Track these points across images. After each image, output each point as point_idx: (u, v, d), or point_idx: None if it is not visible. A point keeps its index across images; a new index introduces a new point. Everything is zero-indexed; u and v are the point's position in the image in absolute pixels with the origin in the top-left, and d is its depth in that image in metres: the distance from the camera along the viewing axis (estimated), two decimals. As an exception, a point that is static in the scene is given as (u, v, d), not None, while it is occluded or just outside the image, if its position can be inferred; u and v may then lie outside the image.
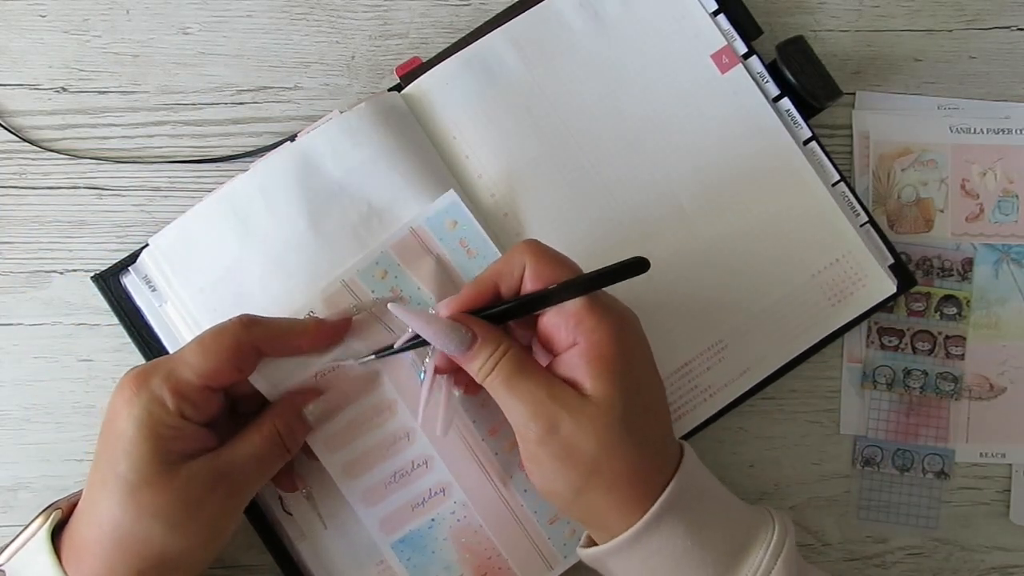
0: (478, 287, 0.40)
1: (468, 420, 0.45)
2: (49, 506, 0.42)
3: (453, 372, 0.42)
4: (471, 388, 0.43)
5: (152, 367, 0.39)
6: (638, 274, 0.39)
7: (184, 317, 0.47)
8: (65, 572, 0.38)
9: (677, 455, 0.40)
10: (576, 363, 0.38)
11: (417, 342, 0.41)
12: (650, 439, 0.39)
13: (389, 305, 0.40)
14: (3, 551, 0.40)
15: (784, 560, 0.38)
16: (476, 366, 0.39)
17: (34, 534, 0.40)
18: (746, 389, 0.49)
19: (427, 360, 0.41)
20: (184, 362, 0.39)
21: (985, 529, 0.51)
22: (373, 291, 0.45)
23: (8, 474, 0.50)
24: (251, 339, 0.40)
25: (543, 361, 0.41)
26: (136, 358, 0.48)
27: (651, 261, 0.40)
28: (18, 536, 0.41)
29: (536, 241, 0.40)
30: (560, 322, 0.39)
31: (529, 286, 0.39)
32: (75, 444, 0.50)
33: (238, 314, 0.41)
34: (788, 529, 0.40)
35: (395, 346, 0.42)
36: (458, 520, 0.45)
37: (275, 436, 0.41)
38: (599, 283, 0.39)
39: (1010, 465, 0.51)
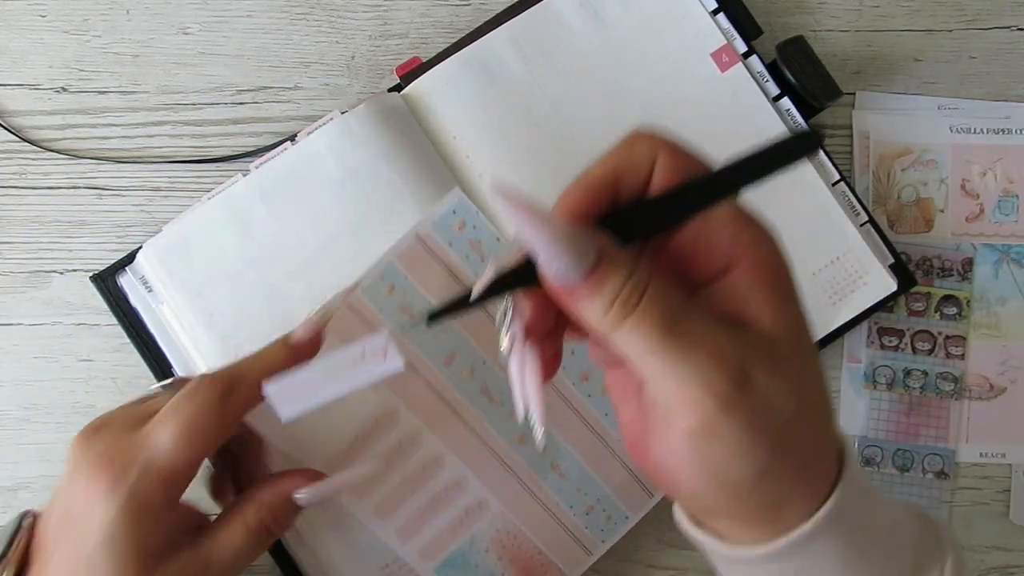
0: (588, 186, 0.27)
1: (495, 430, 0.45)
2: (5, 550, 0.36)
3: (540, 337, 0.29)
4: (549, 366, 0.30)
5: (125, 454, 0.34)
6: (811, 154, 0.28)
7: (180, 319, 0.47)
8: None
9: (841, 441, 0.30)
10: (744, 290, 0.27)
11: (496, 286, 0.27)
12: (828, 400, 0.29)
13: (494, 185, 0.24)
14: None
15: None
16: (603, 303, 0.25)
17: None
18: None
19: (506, 316, 0.28)
20: (167, 450, 0.34)
21: (985, 529, 0.51)
22: (381, 310, 0.43)
23: (8, 474, 0.50)
24: (232, 410, 0.36)
25: None
26: (135, 358, 0.48)
27: None
28: None
29: (660, 130, 0.29)
30: (706, 237, 0.27)
31: (662, 185, 0.27)
32: (75, 444, 0.50)
33: (204, 373, 0.37)
34: (959, 554, 0.32)
35: (473, 293, 0.27)
36: (496, 530, 0.45)
37: (261, 527, 0.37)
38: (765, 167, 0.26)
39: (1010, 465, 0.51)
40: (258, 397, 0.36)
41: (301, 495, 0.38)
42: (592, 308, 0.25)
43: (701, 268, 0.28)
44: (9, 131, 0.51)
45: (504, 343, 0.29)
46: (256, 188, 0.47)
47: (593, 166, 0.28)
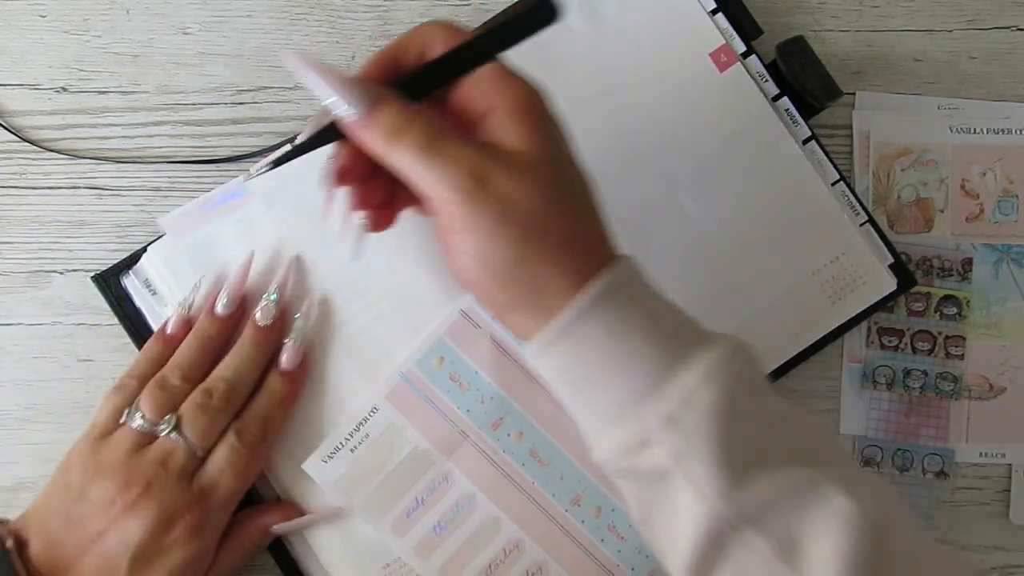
0: (378, 63, 0.35)
1: (548, 493, 0.45)
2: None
3: (357, 190, 0.37)
4: (380, 221, 0.38)
5: (201, 507, 0.42)
6: (550, 21, 0.36)
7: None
8: None
9: (615, 244, 0.36)
10: (500, 122, 0.34)
11: (322, 136, 0.35)
12: (589, 205, 0.35)
13: (282, 54, 0.37)
14: None
15: (724, 386, 0.32)
16: (382, 129, 0.33)
17: None
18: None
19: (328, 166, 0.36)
20: (228, 500, 0.43)
21: (985, 529, 0.51)
22: (432, 380, 0.46)
23: (8, 474, 0.50)
24: (266, 452, 0.45)
25: None
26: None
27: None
28: None
29: (442, 20, 0.37)
30: (474, 92, 0.35)
31: (428, 52, 0.35)
32: (75, 444, 0.50)
33: (233, 430, 0.44)
34: (748, 355, 0.34)
35: (297, 140, 0.36)
36: (540, 569, 0.45)
37: (246, 552, 0.45)
38: (510, 34, 0.35)
39: (1010, 465, 0.51)
40: (277, 432, 0.45)
41: (277, 528, 0.45)
42: (373, 137, 0.33)
43: (474, 115, 0.35)
44: (9, 131, 0.51)
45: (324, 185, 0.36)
46: (259, 192, 0.47)
47: (381, 50, 0.36)
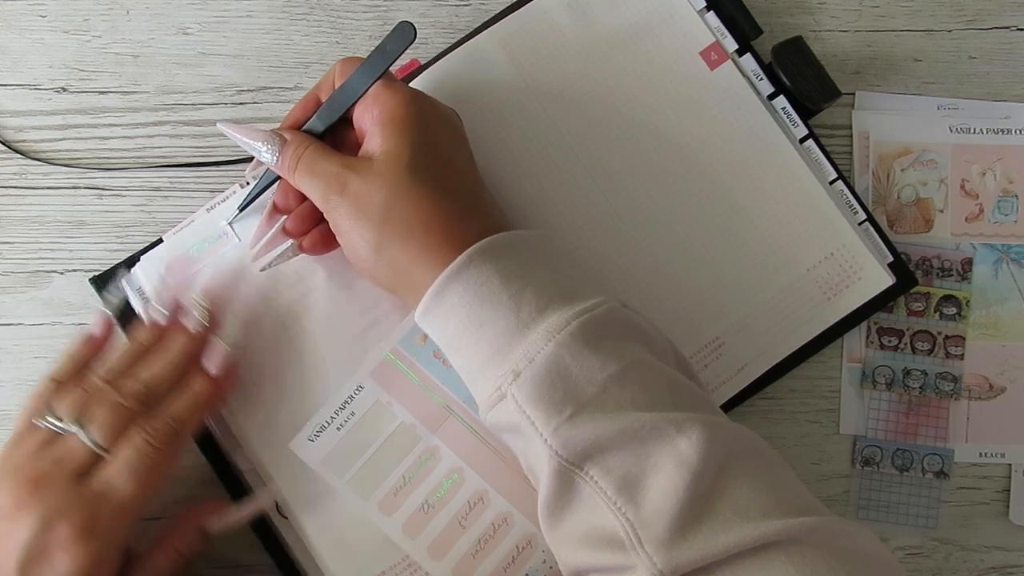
0: (302, 104, 0.44)
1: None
2: None
3: (295, 222, 0.44)
4: (315, 246, 0.45)
5: (92, 504, 0.39)
6: (410, 42, 0.42)
7: None
8: None
9: (492, 223, 0.41)
10: (370, 133, 0.41)
11: (267, 177, 0.46)
12: (450, 190, 0.40)
13: (219, 123, 0.45)
14: None
15: (565, 341, 0.36)
16: (287, 165, 0.42)
17: None
18: (744, 385, 0.49)
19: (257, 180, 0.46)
20: (129, 497, 0.39)
21: (985, 529, 0.51)
22: (416, 357, 0.46)
23: (8, 474, 0.50)
24: (177, 452, 0.42)
25: None
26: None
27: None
28: None
29: (351, 57, 0.44)
30: (363, 110, 0.42)
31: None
32: (75, 444, 0.50)
33: (140, 422, 0.41)
34: (610, 311, 0.38)
35: (249, 190, 0.46)
36: (550, 568, 0.45)
37: (181, 555, 0.43)
38: (380, 59, 0.42)
39: (1010, 465, 0.51)
40: (191, 436, 0.43)
41: (212, 525, 0.44)
42: (283, 171, 0.43)
43: (363, 131, 0.42)
44: (7, 147, 0.51)
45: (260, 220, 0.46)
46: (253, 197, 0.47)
47: (307, 93, 0.45)
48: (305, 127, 0.44)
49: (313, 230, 0.44)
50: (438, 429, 0.46)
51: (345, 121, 0.44)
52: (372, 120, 0.41)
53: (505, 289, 0.38)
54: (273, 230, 0.45)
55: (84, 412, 0.40)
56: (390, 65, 0.43)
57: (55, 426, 0.40)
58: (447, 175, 0.41)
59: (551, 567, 0.45)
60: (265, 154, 0.43)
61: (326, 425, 0.45)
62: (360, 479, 0.45)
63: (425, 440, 0.45)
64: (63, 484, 0.38)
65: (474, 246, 0.38)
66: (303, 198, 0.44)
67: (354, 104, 0.43)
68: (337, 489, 0.45)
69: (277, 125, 0.51)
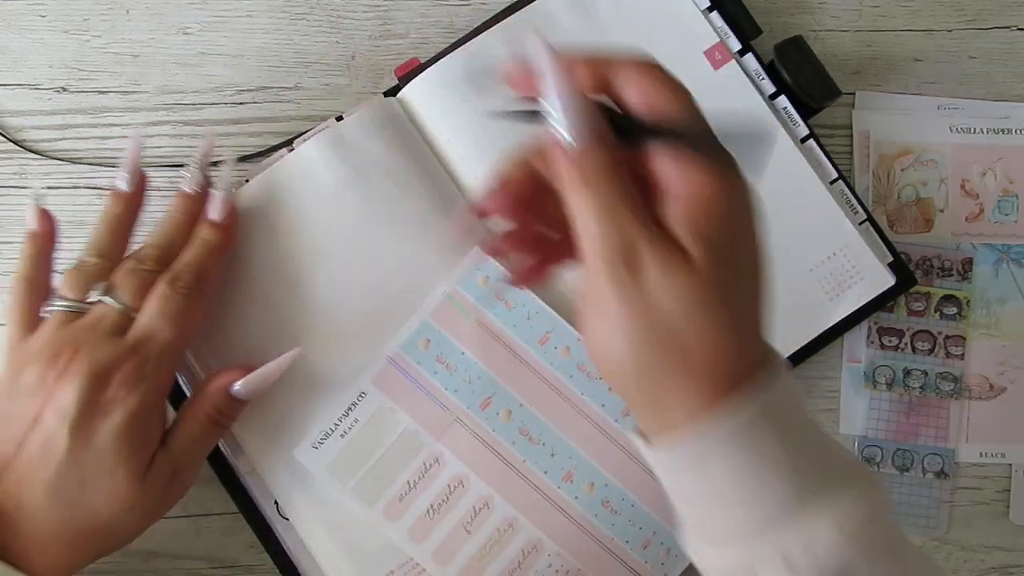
0: (591, 64, 0.32)
1: (540, 470, 0.46)
2: None
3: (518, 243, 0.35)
4: (529, 275, 0.36)
5: (135, 356, 0.40)
6: (767, 147, 0.32)
7: None
8: (17, 569, 0.37)
9: (766, 354, 0.32)
10: (674, 210, 0.31)
11: (525, 115, 0.33)
12: (740, 324, 0.31)
13: (532, 38, 0.31)
14: None
15: (850, 538, 0.30)
16: (583, 170, 0.31)
17: None
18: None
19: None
20: (169, 342, 0.41)
21: (985, 529, 0.51)
22: (419, 362, 0.46)
23: (8, 474, 0.50)
24: (208, 295, 0.43)
25: None
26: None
27: None
28: None
29: (653, 60, 0.33)
30: (666, 162, 0.31)
31: (633, 101, 0.32)
32: (75, 444, 0.50)
33: (165, 278, 0.42)
34: (877, 498, 0.32)
35: (500, 107, 0.34)
36: (556, 572, 0.45)
37: (208, 420, 0.42)
38: (724, 141, 0.31)
39: (1010, 465, 0.51)
40: (211, 279, 0.43)
41: (237, 387, 0.43)
42: (569, 169, 0.31)
43: (656, 181, 0.31)
44: (10, 140, 0.51)
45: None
46: (250, 200, 0.47)
47: (596, 54, 0.32)
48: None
49: (538, 266, 0.36)
50: (442, 435, 0.46)
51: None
52: (683, 199, 0.31)
53: (783, 452, 0.30)
54: (476, 242, 0.39)
55: (107, 282, 0.41)
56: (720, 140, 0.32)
57: (69, 307, 0.41)
58: (746, 300, 0.32)
59: (556, 570, 0.45)
60: (563, 128, 0.31)
61: (330, 432, 0.45)
62: (364, 485, 0.45)
63: (428, 446, 0.46)
64: (104, 342, 0.39)
65: (752, 393, 0.30)
66: (533, 193, 0.34)
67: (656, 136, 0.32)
68: (342, 495, 0.45)
69: (277, 125, 0.52)
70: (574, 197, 0.31)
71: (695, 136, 0.31)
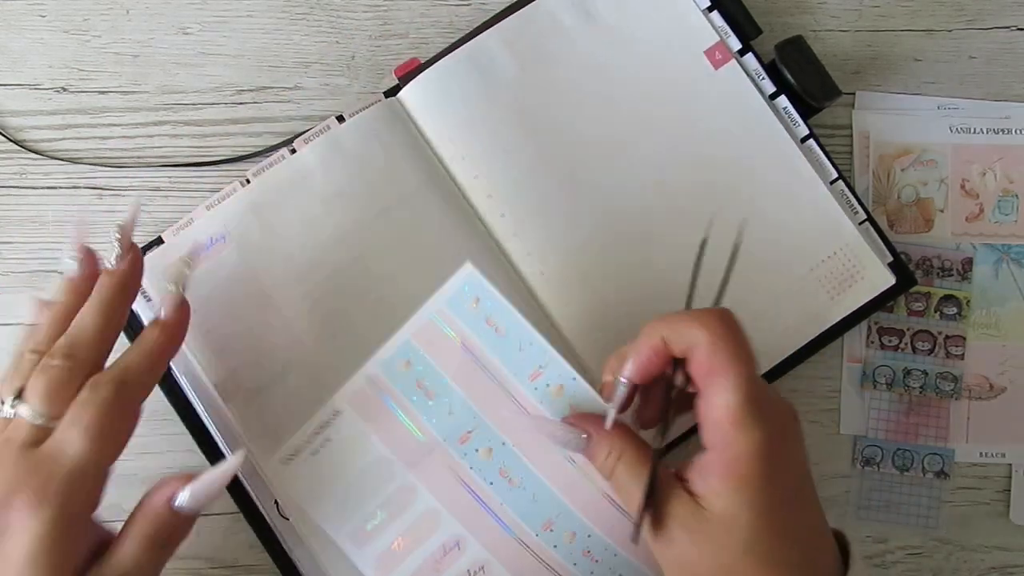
0: (651, 355, 0.37)
1: (518, 515, 0.43)
2: None
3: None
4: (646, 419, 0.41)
5: (41, 470, 0.35)
6: None
7: None
8: None
9: (835, 557, 0.36)
10: (706, 472, 0.35)
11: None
12: (784, 562, 0.35)
13: (533, 422, 0.41)
14: None
15: None
16: (596, 466, 0.39)
17: None
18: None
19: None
20: (81, 458, 0.36)
21: (985, 529, 0.51)
22: (398, 385, 0.43)
23: (8, 474, 0.50)
24: (130, 404, 0.38)
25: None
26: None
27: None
28: None
29: (724, 316, 0.37)
30: (704, 415, 0.36)
31: (693, 369, 0.36)
32: (75, 444, 0.50)
33: (92, 380, 0.37)
34: None
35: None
36: None
37: (152, 541, 0.37)
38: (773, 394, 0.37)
39: (1010, 465, 0.51)
40: (148, 386, 0.39)
41: (179, 499, 0.38)
42: (596, 464, 0.39)
43: (699, 432, 0.36)
44: (11, 140, 0.51)
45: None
46: (250, 204, 0.47)
47: (653, 328, 0.37)
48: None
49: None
50: (415, 466, 0.43)
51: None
52: (718, 460, 0.35)
53: None
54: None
55: (20, 386, 0.37)
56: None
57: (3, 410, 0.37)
58: (786, 547, 0.35)
59: None
60: (570, 446, 0.40)
61: (299, 449, 0.43)
62: (332, 508, 0.43)
63: (401, 477, 0.43)
64: (12, 458, 0.35)
65: None
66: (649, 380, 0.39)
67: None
68: (309, 515, 0.43)
69: (277, 125, 0.52)
70: (611, 482, 0.39)
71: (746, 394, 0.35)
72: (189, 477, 0.38)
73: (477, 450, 0.43)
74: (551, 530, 0.42)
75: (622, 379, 0.38)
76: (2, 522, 0.34)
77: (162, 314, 0.40)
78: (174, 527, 0.38)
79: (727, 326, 0.36)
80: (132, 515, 0.38)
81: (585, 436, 0.39)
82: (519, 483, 0.43)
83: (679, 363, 0.37)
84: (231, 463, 0.38)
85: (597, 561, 0.43)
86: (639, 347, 0.37)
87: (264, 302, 0.47)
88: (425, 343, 0.43)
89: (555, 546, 0.43)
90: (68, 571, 0.35)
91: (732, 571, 0.34)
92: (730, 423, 0.34)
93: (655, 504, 0.36)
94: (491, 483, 0.43)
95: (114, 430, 0.37)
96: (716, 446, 0.35)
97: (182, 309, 0.41)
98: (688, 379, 0.37)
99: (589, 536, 0.43)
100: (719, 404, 0.35)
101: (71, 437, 0.35)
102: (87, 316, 0.38)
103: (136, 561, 0.37)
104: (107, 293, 0.39)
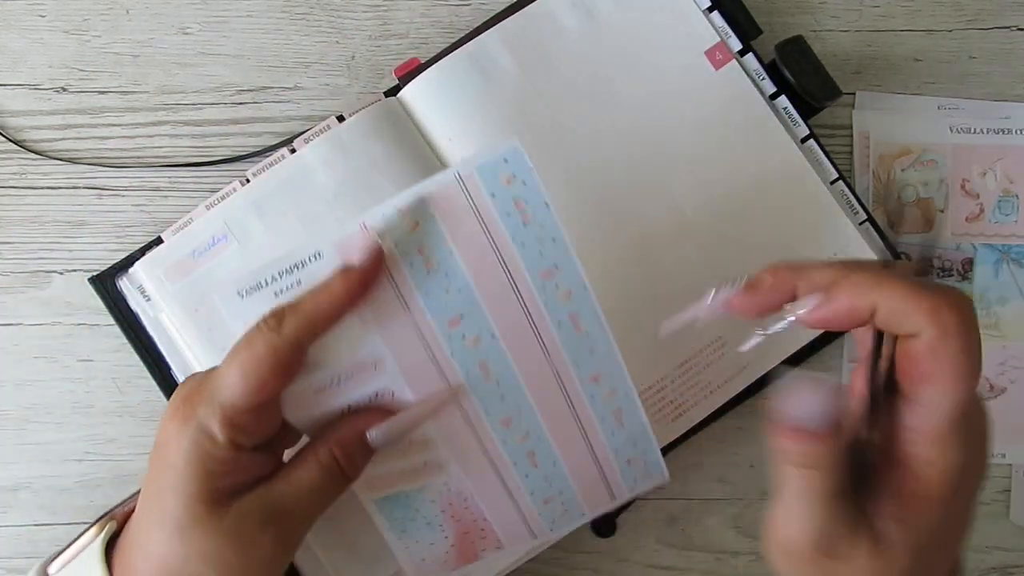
0: (844, 310, 0.31)
1: (482, 408, 0.41)
2: (104, 515, 0.41)
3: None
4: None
5: (198, 392, 0.35)
6: None
7: (179, 331, 0.47)
8: None
9: None
10: (889, 502, 0.31)
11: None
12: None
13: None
14: (55, 558, 0.39)
15: None
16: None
17: (87, 545, 0.38)
18: (745, 386, 0.49)
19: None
20: (225, 385, 0.34)
21: (985, 529, 0.51)
22: (396, 243, 0.37)
23: (8, 474, 0.50)
24: (287, 342, 0.34)
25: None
26: (135, 358, 0.48)
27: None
28: (72, 544, 0.39)
29: (967, 308, 0.29)
30: (903, 416, 0.31)
31: (908, 364, 0.30)
32: (75, 444, 0.50)
33: (265, 313, 0.35)
34: None
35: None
36: (449, 490, 0.42)
37: (333, 464, 0.36)
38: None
39: (1010, 465, 0.51)
40: (313, 327, 0.35)
41: (373, 432, 0.37)
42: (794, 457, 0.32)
43: (900, 418, 0.31)
44: (10, 140, 0.51)
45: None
46: (252, 202, 0.47)
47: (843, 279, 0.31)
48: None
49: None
50: (391, 337, 0.38)
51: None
52: (901, 491, 0.31)
53: None
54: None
55: None
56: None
57: None
58: (937, 563, 0.33)
59: (450, 490, 0.41)
60: (806, 414, 0.31)
61: (263, 285, 0.37)
62: None
63: (372, 345, 0.38)
64: (190, 379, 0.37)
65: None
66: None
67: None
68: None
69: (277, 125, 0.52)
70: (782, 474, 0.32)
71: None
72: (384, 413, 0.38)
73: (464, 336, 0.39)
74: (507, 427, 0.41)
75: (791, 316, 0.32)
76: (164, 434, 0.35)
77: (355, 258, 0.36)
78: (359, 459, 0.37)
79: (963, 321, 0.29)
80: (312, 443, 0.37)
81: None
82: (494, 378, 0.40)
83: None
84: (430, 403, 0.38)
85: (537, 466, 0.41)
86: (835, 296, 0.31)
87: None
88: (442, 209, 0.38)
89: (504, 442, 0.41)
90: (209, 492, 0.34)
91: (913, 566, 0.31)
92: (936, 442, 0.30)
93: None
94: (467, 372, 0.39)
95: (264, 369, 0.34)
96: (921, 456, 0.30)
97: (374, 263, 0.36)
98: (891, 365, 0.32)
99: (540, 440, 0.41)
100: (927, 418, 0.30)
101: (222, 371, 0.35)
102: (310, 298, 0.36)
103: (312, 485, 0.36)
104: (339, 289, 0.36)
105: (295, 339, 0.35)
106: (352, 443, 0.37)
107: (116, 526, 0.39)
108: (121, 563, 0.37)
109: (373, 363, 0.38)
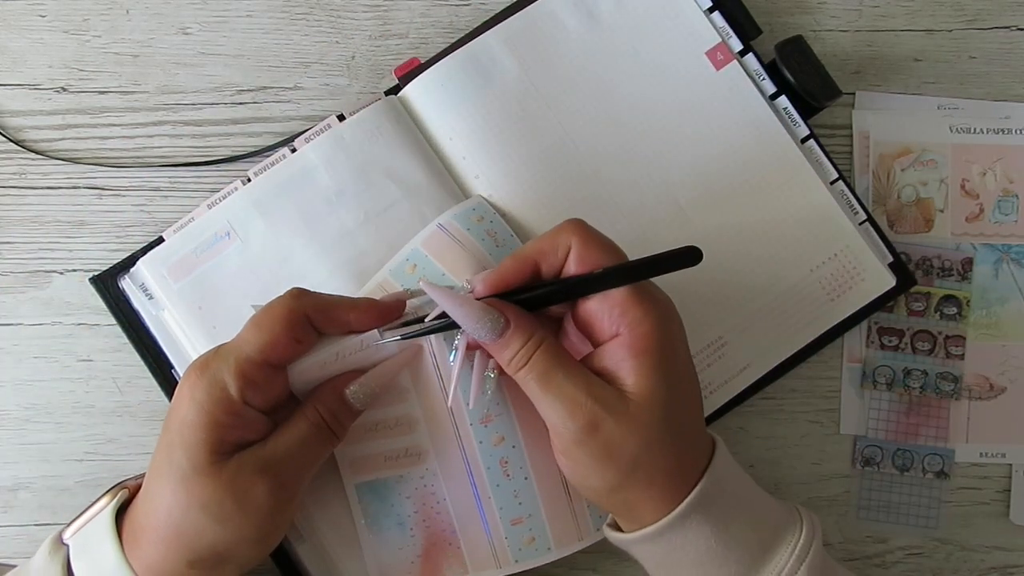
0: (518, 263, 0.39)
1: (463, 404, 0.43)
2: (116, 484, 0.42)
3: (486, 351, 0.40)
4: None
5: (214, 352, 0.38)
6: (690, 265, 0.38)
7: (182, 329, 0.47)
8: (125, 555, 0.38)
9: (709, 448, 0.40)
10: (619, 356, 0.38)
11: (447, 323, 0.39)
12: (687, 433, 0.39)
13: (420, 281, 0.39)
14: (70, 525, 0.41)
15: (809, 565, 0.38)
16: (507, 356, 0.38)
17: (99, 512, 0.40)
18: (746, 386, 0.49)
19: (457, 338, 0.40)
20: (243, 340, 0.38)
21: (985, 529, 0.51)
22: (403, 285, 0.44)
23: (8, 474, 0.50)
24: (302, 307, 0.38)
25: (578, 348, 0.40)
26: (136, 358, 0.48)
27: None
28: (84, 512, 0.41)
29: (582, 221, 0.39)
30: (603, 310, 0.38)
31: (573, 268, 0.38)
32: (75, 444, 0.50)
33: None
34: (816, 530, 0.40)
35: (423, 323, 0.40)
36: (425, 486, 0.43)
37: (319, 421, 0.40)
38: (648, 272, 0.38)
39: (1010, 465, 0.51)
40: (327, 314, 0.39)
41: (351, 388, 0.40)
42: (502, 357, 0.38)
43: (598, 331, 0.38)
44: (11, 140, 0.51)
45: (453, 354, 0.40)
46: (253, 202, 0.48)
47: (524, 248, 0.39)
48: (521, 299, 0.38)
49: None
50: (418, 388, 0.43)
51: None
52: (625, 341, 0.37)
53: (737, 514, 0.39)
54: (478, 371, 0.40)
55: None
56: (653, 276, 0.38)
57: None
58: (687, 418, 0.39)
59: (426, 486, 0.43)
60: (481, 332, 0.37)
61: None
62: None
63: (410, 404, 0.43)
64: (206, 354, 0.39)
65: (695, 495, 0.38)
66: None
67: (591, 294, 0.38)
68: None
69: (277, 125, 0.52)
70: (523, 385, 0.38)
71: (622, 277, 0.37)
72: (357, 372, 0.41)
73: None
74: (486, 425, 0.43)
75: (477, 284, 0.39)
76: (178, 394, 0.38)
77: (384, 299, 0.41)
78: (342, 416, 0.40)
79: (588, 227, 0.39)
80: (302, 405, 0.40)
81: (503, 320, 0.38)
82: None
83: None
84: (399, 358, 0.42)
85: (509, 477, 0.44)
86: (506, 264, 0.39)
87: (269, 299, 0.47)
88: (431, 249, 0.45)
89: (481, 442, 0.43)
90: (212, 444, 0.37)
91: (652, 445, 0.37)
92: (632, 304, 0.37)
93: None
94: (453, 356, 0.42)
95: (278, 327, 0.38)
96: (622, 329, 0.37)
97: (397, 304, 0.41)
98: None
99: (514, 447, 0.43)
100: (616, 291, 0.37)
101: (243, 330, 0.39)
102: (334, 296, 0.41)
103: (301, 440, 0.39)
104: (359, 311, 0.41)
105: (311, 307, 0.39)
106: (334, 400, 0.40)
107: (128, 495, 0.41)
108: (130, 526, 0.39)
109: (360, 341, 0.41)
